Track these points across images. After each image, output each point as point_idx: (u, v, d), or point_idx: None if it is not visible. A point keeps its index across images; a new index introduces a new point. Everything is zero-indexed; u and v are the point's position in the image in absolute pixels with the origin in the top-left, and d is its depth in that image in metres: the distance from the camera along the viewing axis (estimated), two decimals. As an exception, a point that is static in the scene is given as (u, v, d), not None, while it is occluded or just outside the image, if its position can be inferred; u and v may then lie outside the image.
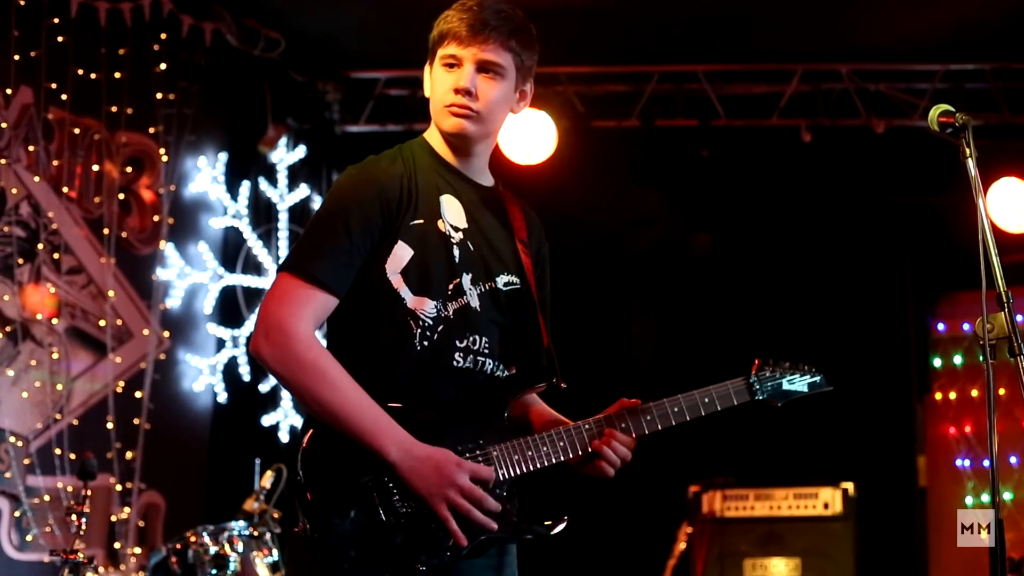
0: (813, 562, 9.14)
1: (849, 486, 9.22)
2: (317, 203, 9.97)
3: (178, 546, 7.02)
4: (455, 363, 3.70)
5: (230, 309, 9.40)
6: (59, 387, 8.10)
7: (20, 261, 7.97)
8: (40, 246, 8.08)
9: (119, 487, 8.35)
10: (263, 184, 9.72)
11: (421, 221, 3.70)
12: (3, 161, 7.92)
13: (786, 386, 4.02)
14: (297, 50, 9.53)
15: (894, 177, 10.04)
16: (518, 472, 3.68)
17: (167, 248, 8.90)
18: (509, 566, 3.83)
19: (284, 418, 9.58)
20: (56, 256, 8.17)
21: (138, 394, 8.56)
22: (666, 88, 9.95)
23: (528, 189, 9.27)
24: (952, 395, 10.41)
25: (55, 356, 8.10)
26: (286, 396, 9.58)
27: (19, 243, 7.97)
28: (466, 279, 3.75)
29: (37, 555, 7.78)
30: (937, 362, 10.52)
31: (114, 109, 8.54)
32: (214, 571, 6.92)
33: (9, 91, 7.97)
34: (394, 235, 3.65)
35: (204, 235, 9.27)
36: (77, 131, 8.37)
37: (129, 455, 8.44)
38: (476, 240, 3.81)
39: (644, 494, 9.91)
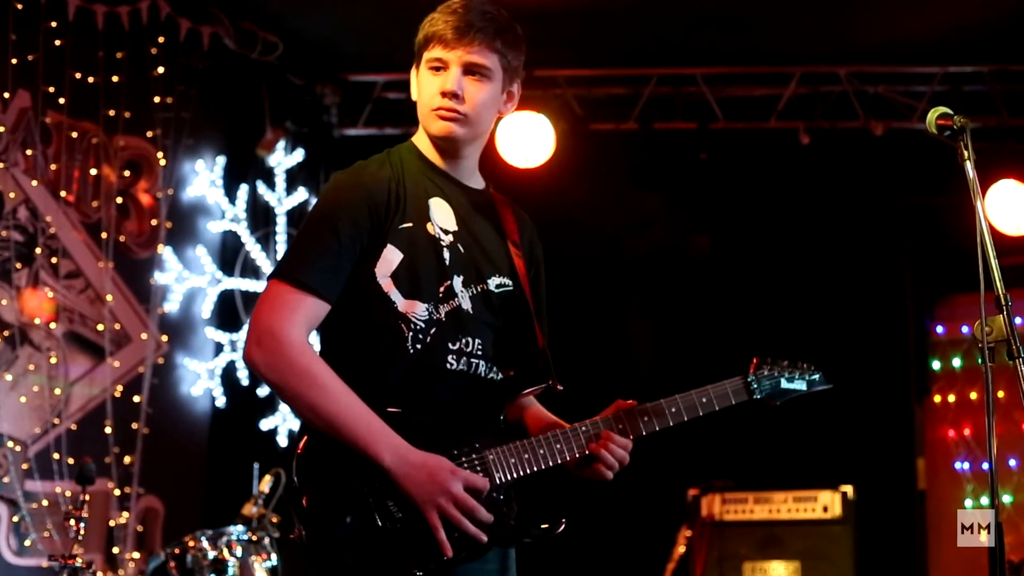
0: (813, 565, 9.14)
1: (848, 489, 9.21)
2: (315, 207, 9.95)
3: (177, 551, 7.01)
4: (448, 365, 3.69)
5: (228, 313, 9.39)
6: (57, 392, 8.09)
7: (18, 265, 7.96)
8: (38, 250, 8.08)
9: (117, 492, 8.34)
10: (261, 188, 9.71)
11: (410, 224, 3.69)
12: (1, 165, 7.91)
13: (784, 385, 4.00)
14: (295, 53, 9.53)
15: (893, 179, 10.04)
16: (515, 476, 3.67)
17: (165, 252, 8.89)
18: (508, 570, 3.82)
19: (283, 422, 9.57)
20: (54, 260, 8.16)
21: (136, 398, 8.56)
22: (664, 91, 9.94)
23: (526, 192, 9.27)
24: (951, 398, 10.40)
25: (53, 360, 8.09)
26: (284, 400, 9.56)
27: (17, 247, 7.97)
28: (457, 281, 3.74)
29: (36, 560, 7.76)
30: (936, 365, 10.51)
31: (112, 113, 8.54)
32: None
33: (7, 95, 7.96)
34: (383, 239, 3.65)
35: (202, 239, 9.26)
36: (75, 135, 8.37)
37: (127, 460, 8.44)
38: (466, 243, 3.80)
39: (643, 497, 9.90)
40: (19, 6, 7.98)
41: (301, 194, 9.94)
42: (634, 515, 10.00)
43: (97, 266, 8.44)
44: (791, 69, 9.76)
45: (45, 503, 7.90)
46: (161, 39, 8.77)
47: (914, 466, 10.46)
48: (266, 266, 9.58)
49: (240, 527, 7.14)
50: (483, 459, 3.64)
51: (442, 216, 3.78)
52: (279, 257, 9.46)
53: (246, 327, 9.28)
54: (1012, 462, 9.91)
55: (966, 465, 10.26)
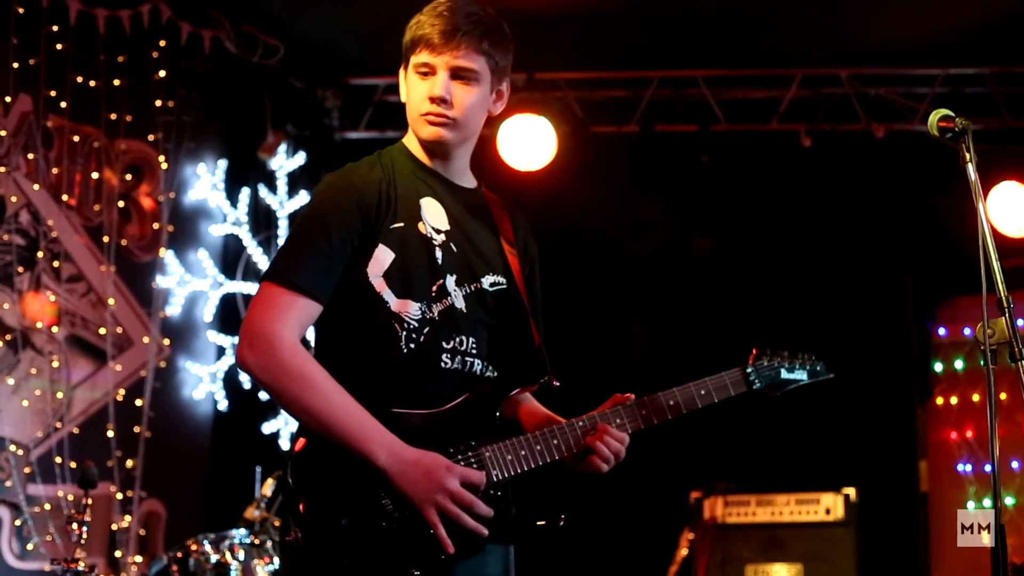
0: (815, 568, 9.12)
1: (851, 491, 9.20)
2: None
3: (179, 554, 7.01)
4: (443, 364, 3.68)
5: (230, 316, 9.39)
6: (59, 395, 8.10)
7: (20, 269, 7.97)
8: (40, 254, 8.08)
9: (120, 495, 8.35)
10: (263, 191, 9.72)
11: (401, 224, 3.69)
12: (2, 169, 7.92)
13: (784, 375, 3.99)
14: (296, 57, 9.53)
15: (894, 182, 10.04)
16: (512, 472, 3.66)
17: (167, 255, 8.90)
18: (508, 570, 3.80)
19: (285, 425, 9.57)
20: (56, 264, 8.17)
21: (138, 402, 8.57)
22: (666, 93, 9.94)
23: (528, 195, 9.33)
24: (953, 400, 10.40)
25: (55, 364, 8.10)
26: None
27: (19, 251, 7.97)
28: (450, 280, 3.73)
29: (38, 564, 7.77)
30: (938, 367, 10.51)
31: (113, 116, 8.55)
32: (215, 579, 6.92)
33: (8, 99, 7.97)
34: (374, 239, 3.65)
35: (204, 242, 9.27)
36: (76, 139, 8.37)
37: (130, 463, 8.44)
38: (459, 242, 3.79)
39: (646, 500, 9.91)
40: (20, 10, 7.99)
41: (303, 197, 9.93)
42: (636, 518, 10.00)
43: (99, 270, 8.45)
44: (792, 71, 9.76)
45: (47, 507, 7.90)
46: (162, 43, 8.78)
47: (916, 468, 10.45)
48: (268, 270, 9.57)
49: (242, 531, 7.14)
50: (479, 456, 3.63)
51: (434, 216, 3.77)
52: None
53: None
54: (1014, 464, 9.90)
55: (968, 467, 10.25)
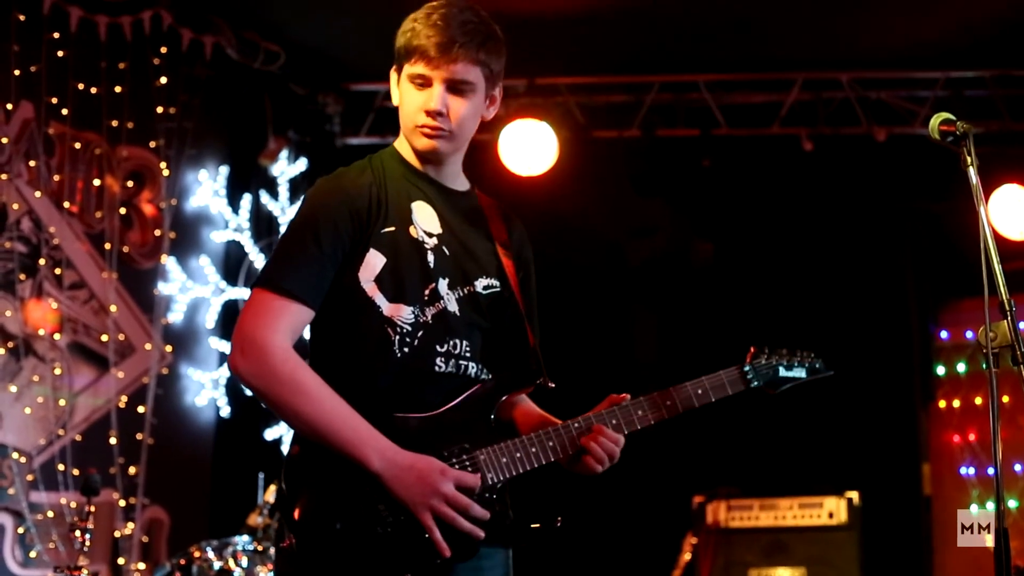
0: (818, 571, 9.12)
1: (854, 495, 9.20)
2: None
3: (182, 561, 7.01)
4: (437, 368, 3.67)
5: (232, 323, 9.34)
6: (62, 402, 8.10)
7: (22, 276, 7.97)
8: (42, 261, 8.08)
9: (122, 502, 8.34)
10: (264, 197, 9.72)
11: (392, 228, 3.68)
12: (4, 176, 7.92)
13: (783, 372, 3.95)
14: (297, 63, 9.54)
15: (896, 185, 10.03)
16: (507, 475, 3.64)
17: (169, 262, 8.90)
18: (506, 573, 3.79)
19: (287, 432, 9.56)
20: (58, 271, 8.17)
21: (141, 409, 8.56)
22: (667, 98, 9.95)
23: (529, 200, 9.32)
24: (956, 403, 10.38)
25: (57, 371, 8.10)
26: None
27: (21, 258, 7.98)
28: (442, 284, 3.72)
29: (40, 571, 7.77)
30: (940, 370, 10.49)
31: (115, 123, 8.56)
32: (218, 586, 6.92)
33: (10, 106, 7.98)
34: (365, 243, 3.64)
35: (206, 249, 9.27)
36: (78, 146, 8.38)
37: (132, 470, 8.44)
38: (451, 245, 3.78)
39: (649, 504, 9.91)
40: (21, 18, 8.00)
41: (304, 203, 9.92)
42: (639, 522, 10.00)
43: (101, 277, 8.45)
44: (793, 75, 9.76)
45: (50, 514, 7.90)
46: (163, 49, 8.79)
47: (919, 472, 10.44)
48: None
49: (245, 537, 7.14)
50: (474, 459, 3.62)
51: (425, 219, 3.76)
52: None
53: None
54: (1017, 467, 9.89)
55: (971, 470, 10.24)
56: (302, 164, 9.99)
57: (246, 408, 9.34)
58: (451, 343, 3.70)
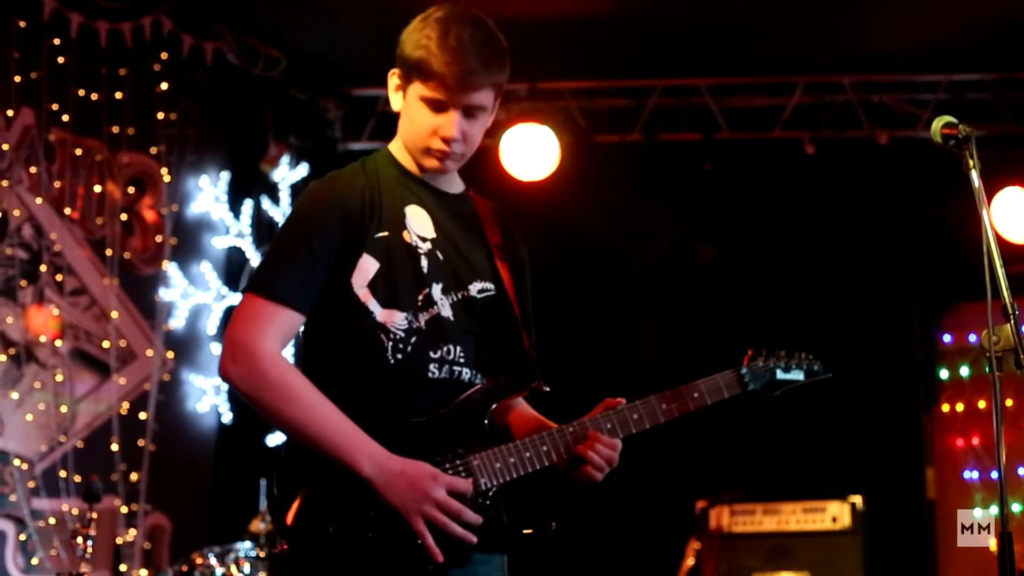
0: (822, 576, 9.12)
1: (857, 499, 9.19)
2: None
3: (184, 568, 7.00)
4: (430, 374, 3.64)
5: (234, 329, 9.36)
6: (63, 409, 8.09)
7: (23, 283, 7.97)
8: (43, 268, 8.08)
9: (124, 509, 8.34)
10: (265, 203, 9.71)
11: (386, 233, 3.65)
12: (5, 183, 7.92)
13: (780, 375, 3.90)
14: (298, 68, 9.54)
15: (898, 188, 10.03)
16: (501, 480, 3.62)
17: (170, 268, 8.90)
18: None
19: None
20: (59, 278, 8.17)
21: (143, 415, 8.56)
22: (668, 102, 9.94)
23: (531, 205, 9.32)
24: (959, 407, 10.37)
25: (59, 378, 8.09)
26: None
27: (22, 265, 7.97)
28: (436, 289, 3.68)
29: (43, 578, 7.77)
30: (944, 374, 10.48)
31: (115, 129, 8.56)
32: (220, 592, 6.91)
33: (10, 112, 7.98)
34: (358, 248, 3.61)
35: (207, 255, 9.26)
36: (79, 152, 8.37)
37: (134, 477, 8.44)
38: (445, 249, 3.74)
39: (651, 510, 9.90)
40: (22, 24, 8.00)
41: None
42: (643, 527, 9.99)
43: (102, 283, 8.45)
44: (795, 78, 9.75)
45: (52, 521, 7.89)
46: (164, 55, 8.79)
47: (923, 476, 10.43)
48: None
49: (247, 543, 7.13)
50: (467, 464, 3.59)
51: (419, 223, 3.73)
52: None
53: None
54: (1021, 471, 9.87)
55: (975, 474, 10.23)
56: (303, 170, 9.98)
57: (248, 414, 9.28)
58: (445, 349, 3.67)
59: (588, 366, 9.85)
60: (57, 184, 8.23)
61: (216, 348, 9.23)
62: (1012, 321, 3.58)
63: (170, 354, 8.87)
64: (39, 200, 8.11)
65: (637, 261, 10.66)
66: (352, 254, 3.61)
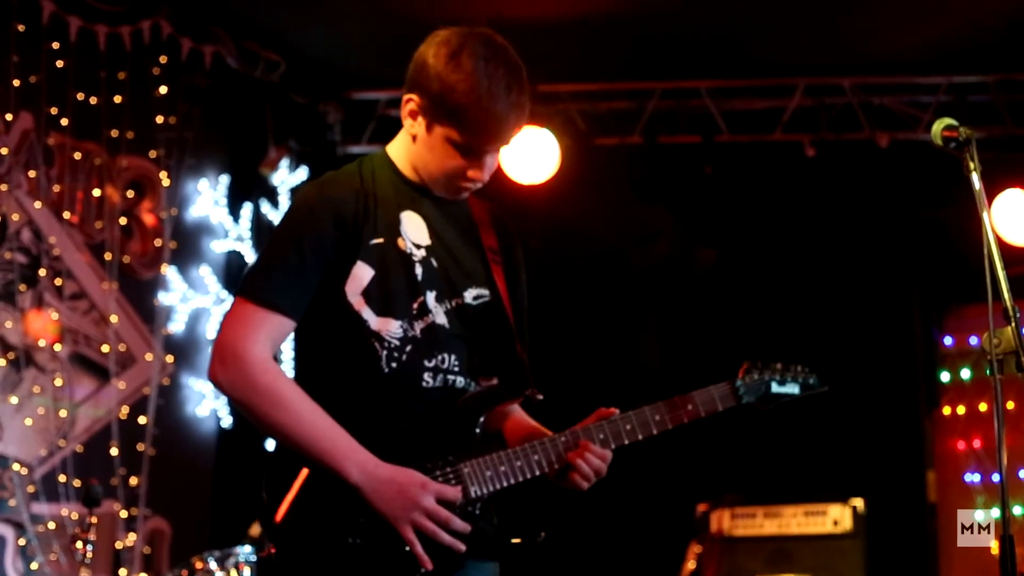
0: (823, 579, 9.11)
1: (858, 502, 9.18)
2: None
3: (184, 572, 7.00)
4: (424, 383, 3.62)
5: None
6: (62, 413, 8.09)
7: (22, 287, 7.96)
8: (42, 272, 8.08)
9: (124, 513, 8.33)
10: (265, 206, 9.71)
11: (381, 240, 3.62)
12: (4, 187, 7.91)
13: (775, 388, 3.89)
14: (297, 71, 9.54)
15: (899, 191, 10.02)
16: (491, 488, 3.59)
17: (169, 272, 8.90)
18: None
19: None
20: (58, 282, 8.16)
21: (142, 419, 8.56)
22: (668, 104, 9.93)
23: (531, 208, 9.30)
24: (960, 410, 10.36)
25: (58, 382, 8.09)
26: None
27: (21, 269, 7.97)
28: (430, 297, 3.66)
29: (42, 583, 7.76)
30: (945, 376, 10.48)
31: (114, 133, 8.56)
32: (220, 596, 6.91)
33: (9, 117, 7.98)
34: (352, 255, 3.58)
35: (206, 258, 9.26)
36: (78, 156, 8.37)
37: (134, 481, 8.43)
38: (440, 256, 3.71)
39: (652, 513, 9.89)
40: (21, 28, 7.99)
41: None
42: (643, 531, 9.98)
43: (101, 287, 8.44)
44: (795, 81, 9.75)
45: (51, 526, 7.88)
46: (163, 59, 8.78)
47: (924, 479, 10.42)
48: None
49: (247, 547, 7.13)
50: (457, 472, 3.57)
51: (414, 230, 3.70)
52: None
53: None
54: (1022, 473, 9.87)
55: (976, 477, 10.22)
56: (303, 173, 9.99)
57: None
58: (439, 358, 3.65)
59: (588, 369, 9.84)
60: (56, 188, 8.23)
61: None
62: (1013, 323, 3.57)
63: (169, 358, 8.87)
64: (38, 204, 8.10)
65: (637, 264, 10.65)
66: (346, 260, 3.58)
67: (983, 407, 10.22)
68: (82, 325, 8.32)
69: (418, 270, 3.65)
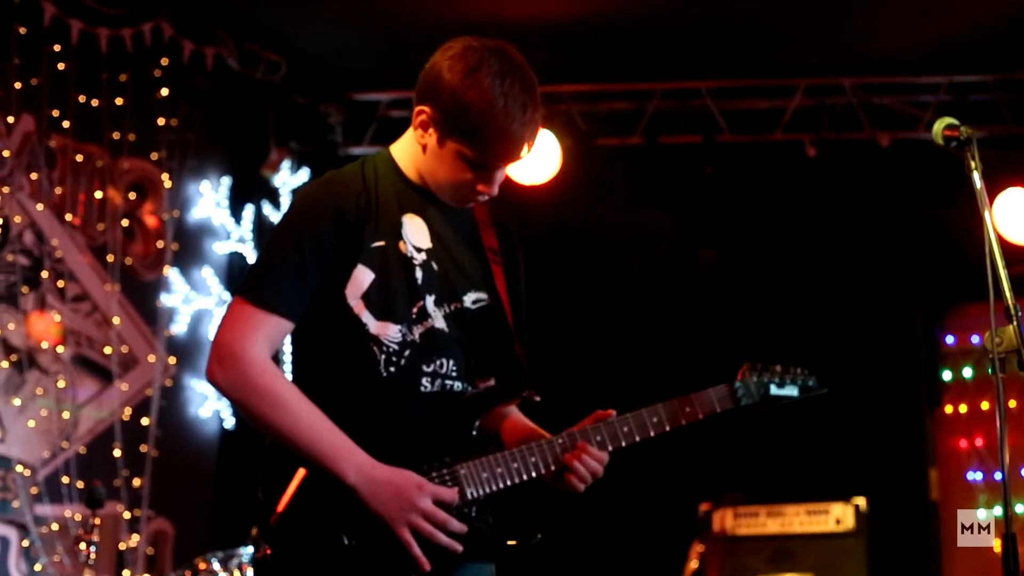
0: (826, 578, 9.11)
1: (861, 501, 9.18)
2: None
3: (187, 573, 7.01)
4: (423, 388, 3.61)
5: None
6: (65, 415, 8.09)
7: (24, 289, 7.97)
8: (44, 274, 8.08)
9: (127, 515, 8.34)
10: (267, 208, 9.72)
11: (382, 243, 3.60)
12: (6, 189, 7.92)
13: (774, 391, 3.89)
14: (299, 73, 9.54)
15: (900, 190, 10.02)
16: (488, 490, 3.59)
17: (171, 274, 8.90)
18: None
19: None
20: (60, 284, 8.17)
21: (145, 421, 8.56)
22: (669, 105, 9.93)
23: (532, 209, 9.29)
24: (962, 408, 10.36)
25: (61, 384, 8.09)
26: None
27: (23, 271, 7.97)
28: (429, 301, 3.64)
29: (46, 584, 7.77)
30: (947, 375, 10.48)
31: (116, 135, 8.56)
32: (223, 597, 6.92)
33: (11, 119, 7.98)
34: (353, 257, 3.56)
35: (208, 260, 9.27)
36: (79, 158, 8.38)
37: (137, 482, 8.44)
38: (441, 260, 3.69)
39: (655, 512, 9.89)
40: (22, 30, 8.00)
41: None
42: (646, 530, 9.98)
43: (103, 289, 8.45)
44: (796, 81, 9.75)
45: (55, 527, 7.89)
46: (164, 61, 8.79)
47: (926, 477, 10.42)
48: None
49: (251, 548, 7.13)
50: (454, 473, 3.57)
51: (415, 233, 3.68)
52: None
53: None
54: (1024, 472, 9.88)
55: (979, 475, 10.23)
56: (304, 174, 9.99)
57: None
58: (438, 363, 3.64)
59: (589, 369, 9.84)
60: (58, 190, 8.24)
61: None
62: (1015, 322, 3.58)
63: (172, 359, 8.87)
64: (40, 206, 8.11)
65: (638, 264, 10.65)
66: (346, 262, 3.57)
67: (985, 406, 10.22)
68: (84, 327, 8.33)
69: (418, 274, 3.64)
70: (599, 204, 9.98)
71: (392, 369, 3.58)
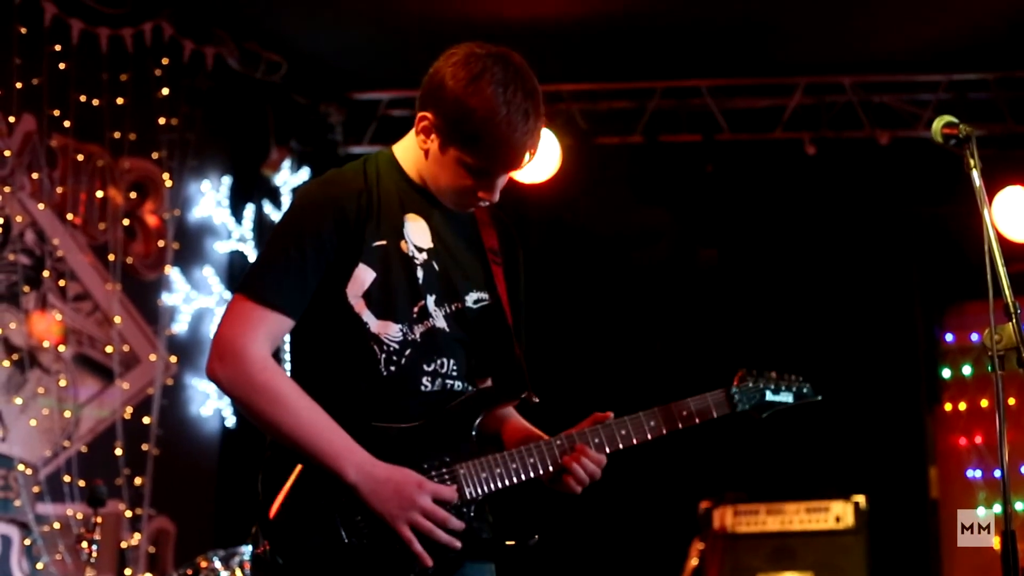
0: (826, 576, 9.12)
1: (860, 499, 9.19)
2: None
3: (189, 571, 7.02)
4: (423, 387, 3.61)
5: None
6: (67, 414, 8.10)
7: (26, 289, 7.97)
8: (46, 273, 8.09)
9: (129, 513, 8.35)
10: (267, 207, 9.72)
11: (384, 242, 3.60)
12: (7, 189, 7.93)
13: (769, 397, 3.90)
14: (299, 72, 9.55)
15: (899, 188, 10.03)
16: (486, 490, 3.60)
17: (172, 273, 8.91)
18: None
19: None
20: (62, 283, 8.18)
21: (146, 420, 8.57)
22: (669, 103, 9.93)
23: (532, 207, 9.30)
24: (962, 406, 10.37)
25: (62, 383, 8.10)
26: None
27: (24, 271, 7.98)
28: (430, 300, 3.64)
29: (48, 583, 7.78)
30: (946, 373, 10.48)
31: (117, 135, 8.57)
32: (225, 595, 6.92)
33: (12, 119, 7.99)
34: (354, 256, 3.56)
35: (209, 259, 9.28)
36: (80, 157, 8.38)
37: (138, 481, 8.44)
38: (442, 260, 3.69)
39: (655, 510, 9.89)
40: (23, 30, 8.00)
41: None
42: (646, 528, 9.98)
43: (105, 288, 8.46)
44: (796, 79, 9.75)
45: (57, 526, 7.90)
46: (165, 61, 8.80)
47: (926, 475, 10.43)
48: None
49: (252, 547, 7.13)
50: (453, 472, 3.57)
51: (417, 233, 3.68)
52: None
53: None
54: (1024, 469, 9.89)
55: (978, 473, 10.23)
56: (305, 174, 10.00)
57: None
58: (439, 362, 3.64)
59: (588, 369, 9.84)
60: (59, 190, 8.24)
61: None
62: (1014, 320, 3.59)
63: (173, 358, 8.88)
64: (41, 206, 8.12)
65: (638, 263, 10.65)
66: (347, 261, 3.57)
67: (984, 403, 10.23)
68: (86, 326, 8.34)
69: (419, 273, 3.64)
70: (599, 203, 9.98)
71: (392, 368, 3.58)
